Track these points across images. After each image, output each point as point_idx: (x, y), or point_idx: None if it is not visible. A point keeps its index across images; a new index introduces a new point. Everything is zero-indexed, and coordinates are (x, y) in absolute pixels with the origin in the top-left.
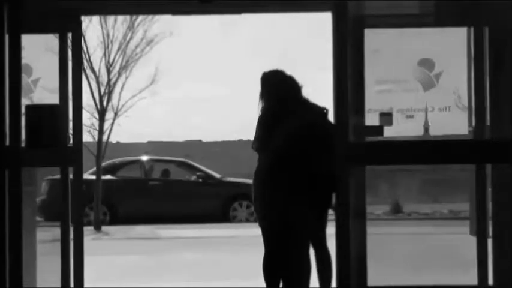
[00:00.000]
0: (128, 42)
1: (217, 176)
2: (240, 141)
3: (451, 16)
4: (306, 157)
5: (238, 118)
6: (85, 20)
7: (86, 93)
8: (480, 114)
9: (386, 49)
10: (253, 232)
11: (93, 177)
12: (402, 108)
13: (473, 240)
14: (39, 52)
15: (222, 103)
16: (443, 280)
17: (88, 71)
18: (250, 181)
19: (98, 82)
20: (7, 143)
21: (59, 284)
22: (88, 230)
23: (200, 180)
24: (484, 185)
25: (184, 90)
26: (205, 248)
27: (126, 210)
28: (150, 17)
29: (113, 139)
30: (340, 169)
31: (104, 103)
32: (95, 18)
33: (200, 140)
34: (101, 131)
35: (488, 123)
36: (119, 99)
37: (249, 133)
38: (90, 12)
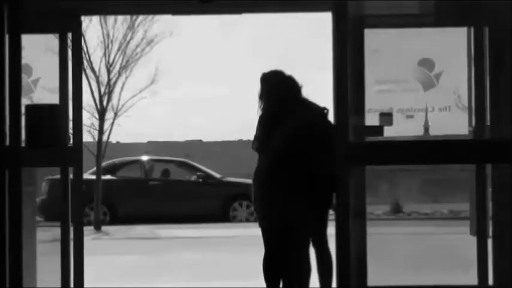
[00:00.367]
0: (128, 42)
1: (217, 176)
2: (240, 141)
3: (451, 16)
4: (305, 157)
5: (238, 118)
6: (85, 20)
7: (86, 93)
8: (480, 114)
9: (386, 49)
10: (253, 232)
11: (93, 177)
12: (402, 108)
13: (473, 240)
14: (39, 52)
15: (222, 103)
16: (443, 280)
17: (88, 71)
18: (250, 181)
19: (98, 82)
20: (7, 143)
21: (59, 284)
22: (88, 230)
23: (200, 180)
24: (484, 185)
25: (184, 90)
26: (205, 248)
27: (126, 210)
28: (150, 17)
29: (113, 139)
30: (340, 169)
31: (104, 103)
32: (95, 18)
33: (200, 140)
34: (101, 131)
35: (488, 123)
36: (119, 99)
37: (249, 133)
38: (90, 12)
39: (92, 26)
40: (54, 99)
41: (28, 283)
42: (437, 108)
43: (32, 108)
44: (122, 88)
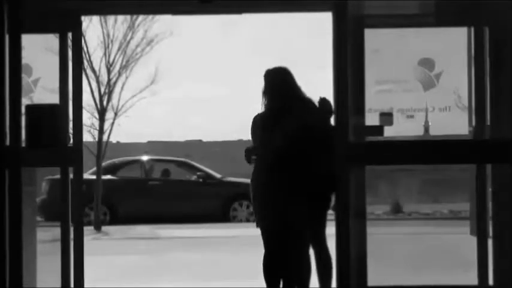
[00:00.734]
0: (128, 42)
1: (217, 176)
2: (240, 141)
3: (451, 16)
4: (305, 157)
5: (238, 118)
6: (85, 20)
7: (86, 93)
8: (480, 114)
9: (386, 49)
10: (253, 232)
11: (94, 177)
12: (402, 108)
13: (473, 240)
14: (39, 52)
15: (222, 103)
16: (443, 280)
17: (88, 71)
18: (249, 181)
19: (98, 82)
20: (7, 143)
21: (59, 284)
22: (88, 230)
23: (200, 180)
24: (484, 185)
25: (184, 90)
26: (205, 248)
27: (126, 210)
28: (150, 17)
29: (113, 139)
30: (340, 169)
31: (104, 103)
32: (95, 18)
33: (200, 140)
34: (101, 131)
35: (488, 123)
36: (119, 99)
37: (249, 133)
38: (90, 12)
39: (92, 26)
40: (54, 99)
41: (28, 283)
42: (438, 108)
43: (32, 108)
44: (122, 88)
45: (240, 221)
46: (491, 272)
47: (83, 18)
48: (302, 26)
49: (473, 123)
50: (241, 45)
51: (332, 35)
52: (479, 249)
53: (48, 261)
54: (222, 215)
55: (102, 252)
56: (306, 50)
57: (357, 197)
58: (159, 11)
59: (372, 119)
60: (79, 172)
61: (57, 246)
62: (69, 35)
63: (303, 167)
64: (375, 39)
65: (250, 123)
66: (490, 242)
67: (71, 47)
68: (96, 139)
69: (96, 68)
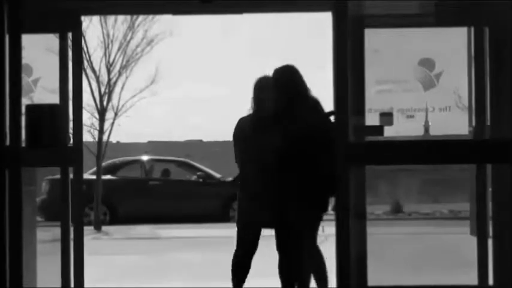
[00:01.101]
0: (128, 42)
1: (218, 176)
2: None
3: (451, 16)
4: (306, 158)
5: (238, 118)
6: (85, 20)
7: (86, 93)
8: (480, 114)
9: (386, 49)
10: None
11: (94, 177)
12: (402, 108)
13: (473, 240)
14: (39, 52)
15: (222, 103)
16: (443, 280)
17: (88, 71)
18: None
19: (98, 82)
20: (7, 143)
21: (59, 284)
22: (88, 230)
23: (200, 180)
24: (484, 185)
25: (184, 90)
26: (205, 248)
27: (126, 210)
28: (150, 17)
29: (113, 139)
30: (340, 169)
31: (104, 103)
32: (95, 18)
33: (200, 140)
34: (101, 131)
35: (488, 123)
36: (119, 99)
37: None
38: (90, 12)
39: (92, 26)
40: (54, 99)
41: (28, 283)
42: (438, 108)
43: (32, 108)
44: (122, 88)
45: None
46: (491, 272)
47: (83, 18)
48: (302, 26)
49: (473, 123)
50: (241, 45)
51: (332, 35)
52: (479, 249)
53: (48, 261)
54: (222, 215)
55: (102, 252)
56: (306, 50)
57: (357, 197)
58: (159, 11)
59: (372, 119)
60: (79, 172)
61: (57, 246)
62: (69, 35)
63: (304, 168)
64: (375, 39)
65: (235, 126)
66: (490, 242)
67: (71, 47)
68: (96, 139)
69: (96, 68)
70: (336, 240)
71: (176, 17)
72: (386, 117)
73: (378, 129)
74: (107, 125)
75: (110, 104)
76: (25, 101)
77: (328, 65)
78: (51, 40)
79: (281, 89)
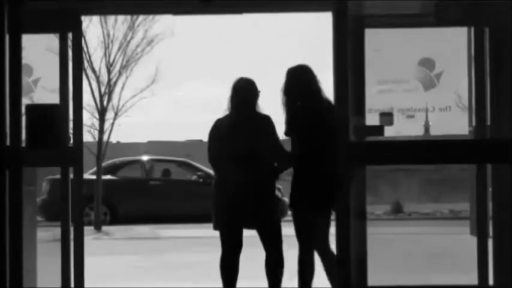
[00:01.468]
0: (129, 42)
1: None
2: None
3: (452, 16)
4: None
5: None
6: (85, 20)
7: (87, 93)
8: (480, 114)
9: (386, 49)
10: (252, 232)
11: (94, 177)
12: (403, 108)
13: (473, 240)
14: (40, 52)
15: (222, 103)
16: (443, 280)
17: (88, 71)
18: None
19: (98, 82)
20: (8, 143)
21: (59, 284)
22: (88, 230)
23: (200, 180)
24: (484, 185)
25: (184, 90)
26: (205, 248)
27: (126, 210)
28: (151, 17)
29: (113, 139)
30: (342, 169)
31: (105, 103)
32: (95, 18)
33: (200, 140)
34: (101, 131)
35: (488, 123)
36: (119, 99)
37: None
38: (90, 12)
39: (92, 26)
40: (54, 99)
41: (28, 283)
42: (438, 108)
43: (32, 108)
44: (122, 88)
45: None
46: (491, 272)
47: (83, 18)
48: (302, 25)
49: (473, 123)
50: (241, 45)
51: (332, 35)
52: (479, 249)
53: (48, 261)
54: None
55: (102, 252)
56: (306, 50)
57: (357, 197)
58: (159, 11)
59: (372, 119)
60: (79, 172)
61: (57, 246)
62: (69, 35)
63: (308, 167)
64: (375, 39)
65: (211, 127)
66: (490, 242)
67: (71, 47)
68: (96, 139)
69: (96, 68)
70: (336, 240)
71: (176, 17)
72: (387, 117)
73: (378, 129)
74: (107, 125)
75: (110, 104)
76: (25, 101)
77: (328, 65)
78: (51, 40)
79: (295, 88)
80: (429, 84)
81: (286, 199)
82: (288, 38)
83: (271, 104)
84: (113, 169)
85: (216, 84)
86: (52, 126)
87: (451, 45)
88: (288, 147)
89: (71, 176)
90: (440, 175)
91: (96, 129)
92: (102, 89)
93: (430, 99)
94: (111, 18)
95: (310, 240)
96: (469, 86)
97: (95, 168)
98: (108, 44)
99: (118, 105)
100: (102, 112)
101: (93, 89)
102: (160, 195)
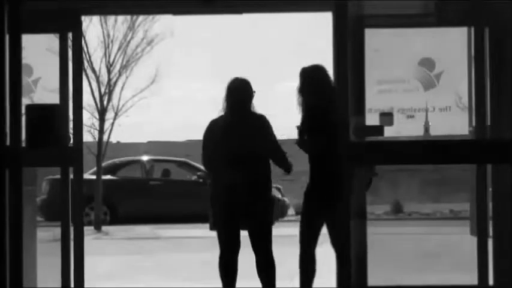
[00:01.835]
0: (129, 42)
1: None
2: None
3: (452, 16)
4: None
5: None
6: (85, 20)
7: (87, 93)
8: (480, 114)
9: (386, 49)
10: None
11: (94, 177)
12: (402, 108)
13: (473, 240)
14: (40, 52)
15: (222, 103)
16: (443, 280)
17: (88, 71)
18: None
19: (98, 82)
20: (8, 142)
21: (59, 284)
22: (88, 230)
23: (200, 180)
24: (484, 185)
25: (184, 90)
26: (205, 248)
27: (126, 210)
28: (151, 17)
29: (113, 139)
30: (344, 169)
31: (105, 103)
32: (95, 18)
33: (200, 140)
34: (101, 131)
35: (488, 123)
36: (119, 99)
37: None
38: (90, 12)
39: (92, 26)
40: (54, 99)
41: (28, 283)
42: (438, 108)
43: (32, 108)
44: (122, 88)
45: None
46: (491, 272)
47: (83, 18)
48: (302, 25)
49: (473, 123)
50: (241, 45)
51: (332, 35)
52: (479, 249)
53: (48, 261)
54: None
55: (102, 252)
56: (306, 49)
57: (357, 197)
58: (159, 11)
59: (372, 119)
60: (79, 172)
61: (57, 246)
62: (69, 35)
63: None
64: (375, 39)
65: (206, 128)
66: (490, 242)
67: (71, 47)
68: (96, 139)
69: (96, 68)
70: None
71: (176, 17)
72: (387, 117)
73: (378, 129)
74: (107, 125)
75: (110, 104)
76: (25, 101)
77: (328, 65)
78: (51, 40)
79: (319, 88)
80: (429, 84)
81: (287, 199)
82: (288, 38)
83: (271, 104)
84: (112, 169)
85: (216, 84)
86: (52, 126)
87: (451, 45)
88: (286, 147)
89: (71, 176)
90: (440, 175)
91: (96, 129)
92: (102, 89)
93: (430, 99)
94: (111, 19)
95: (311, 235)
96: (469, 86)
97: (95, 168)
98: (108, 44)
99: (118, 105)
100: (102, 112)
101: (93, 89)
102: (160, 195)
